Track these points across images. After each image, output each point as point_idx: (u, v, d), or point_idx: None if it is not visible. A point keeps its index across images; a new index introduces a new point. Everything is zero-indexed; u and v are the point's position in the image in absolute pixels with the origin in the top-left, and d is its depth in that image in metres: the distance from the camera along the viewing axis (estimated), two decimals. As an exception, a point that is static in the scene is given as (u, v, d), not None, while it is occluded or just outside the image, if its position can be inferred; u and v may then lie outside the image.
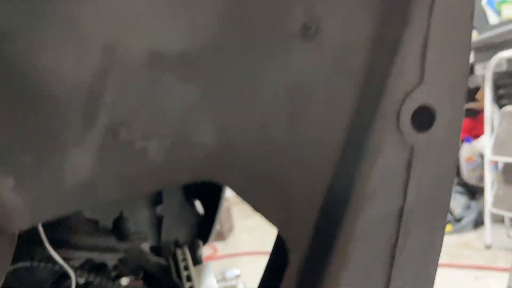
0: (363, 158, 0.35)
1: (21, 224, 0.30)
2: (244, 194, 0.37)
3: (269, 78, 0.36)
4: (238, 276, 1.14)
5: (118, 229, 1.07)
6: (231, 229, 4.71)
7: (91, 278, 1.00)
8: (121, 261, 1.08)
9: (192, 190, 1.62)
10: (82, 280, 0.98)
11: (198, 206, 1.69)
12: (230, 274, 1.13)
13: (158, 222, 1.44)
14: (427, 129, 0.35)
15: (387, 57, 0.33)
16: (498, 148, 2.68)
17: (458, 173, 3.50)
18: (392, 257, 0.39)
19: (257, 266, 1.40)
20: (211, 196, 1.64)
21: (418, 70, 0.33)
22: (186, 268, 1.06)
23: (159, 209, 1.44)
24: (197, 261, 1.16)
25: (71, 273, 0.91)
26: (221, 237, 4.11)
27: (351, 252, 0.38)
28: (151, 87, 0.33)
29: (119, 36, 0.31)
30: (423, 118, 0.35)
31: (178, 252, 1.11)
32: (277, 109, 0.36)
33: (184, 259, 1.08)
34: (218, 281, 1.08)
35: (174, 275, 1.05)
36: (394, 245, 0.38)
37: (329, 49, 0.35)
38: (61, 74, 0.31)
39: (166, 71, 0.33)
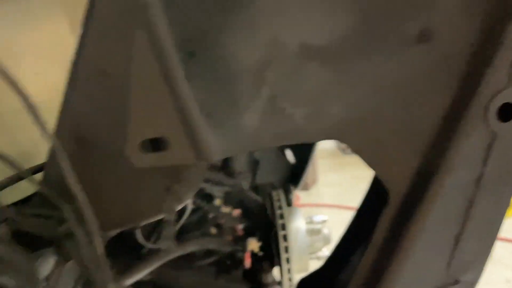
0: (454, 137, 0.44)
1: (213, 157, 0.44)
2: (360, 152, 0.48)
3: (387, 69, 0.45)
4: (325, 221, 1.25)
5: (226, 167, 1.24)
6: (314, 181, 4.86)
7: (202, 204, 1.20)
8: (226, 194, 1.26)
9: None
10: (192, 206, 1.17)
11: (289, 155, 1.82)
12: (317, 218, 1.25)
13: (254, 166, 1.60)
14: (508, 121, 0.45)
15: (483, 64, 0.41)
16: None
17: None
18: (464, 220, 0.48)
19: (336, 218, 1.49)
20: (303, 147, 1.76)
21: (507, 75, 0.41)
22: (280, 207, 1.20)
23: (256, 154, 1.60)
24: (288, 203, 1.30)
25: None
26: (305, 187, 4.27)
27: (433, 210, 0.48)
28: (299, 70, 0.44)
29: (279, 32, 0.43)
30: (507, 112, 0.45)
31: (274, 193, 1.25)
32: (389, 93, 0.46)
33: (279, 200, 1.22)
34: (306, 223, 1.21)
35: (269, 212, 1.20)
36: (468, 209, 0.47)
37: (438, 52, 0.43)
38: (241, 59, 0.44)
39: (312, 59, 0.44)
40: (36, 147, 0.61)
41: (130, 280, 1.05)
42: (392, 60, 0.45)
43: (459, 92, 0.45)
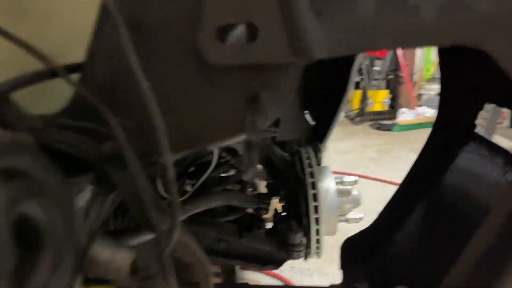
0: None
1: (315, 54, 0.34)
2: (502, 60, 0.38)
3: None
4: (355, 182, 1.17)
5: (253, 120, 1.15)
6: (324, 148, 4.80)
7: (228, 157, 1.11)
8: (252, 148, 1.17)
9: (307, 102, 1.66)
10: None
11: (308, 117, 1.73)
12: (348, 179, 1.17)
13: (275, 123, 1.51)
14: None
15: None
16: None
17: None
18: None
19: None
20: (325, 110, 1.66)
21: None
22: (310, 165, 1.11)
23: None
24: (318, 162, 1.21)
25: (215, 150, 1.02)
26: (316, 153, 4.21)
27: None
28: None
29: None
30: None
31: (303, 150, 1.17)
32: None
33: (309, 157, 1.14)
34: (336, 183, 1.13)
35: (299, 171, 1.12)
36: None
37: None
38: None
39: None
40: (69, 45, 0.49)
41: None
42: None
43: None
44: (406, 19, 0.36)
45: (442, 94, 0.83)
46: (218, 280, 1.75)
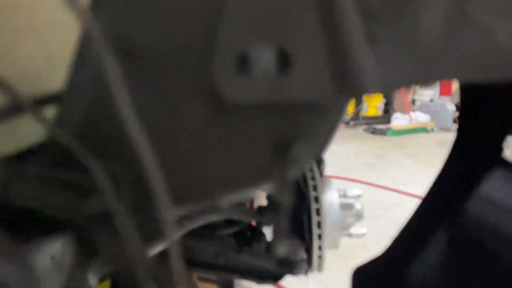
0: None
1: (366, 90, 0.28)
2: None
3: None
4: (359, 196, 1.14)
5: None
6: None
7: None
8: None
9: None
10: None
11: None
12: (351, 192, 1.13)
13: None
14: None
15: None
16: None
17: None
18: None
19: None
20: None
21: None
22: (313, 178, 1.08)
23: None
24: (320, 173, 1.18)
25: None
26: (311, 157, 4.21)
27: None
28: None
29: None
30: None
31: (305, 162, 1.13)
32: None
33: (311, 170, 1.10)
34: (339, 197, 1.10)
35: (301, 183, 1.08)
36: None
37: None
38: None
39: None
40: (45, 69, 0.38)
41: (152, 250, 0.94)
42: None
43: None
44: (479, 44, 0.30)
45: (463, 111, 0.78)
46: (212, 287, 1.71)
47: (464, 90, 0.76)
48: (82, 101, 0.29)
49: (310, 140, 0.33)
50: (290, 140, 0.32)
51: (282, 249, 0.31)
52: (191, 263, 1.12)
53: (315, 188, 1.06)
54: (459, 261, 0.66)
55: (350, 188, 1.19)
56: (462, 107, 0.78)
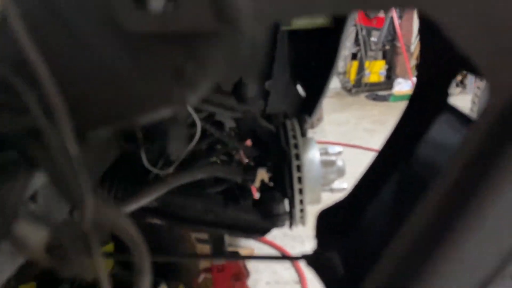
0: None
1: (243, 19, 0.31)
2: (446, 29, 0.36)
3: None
4: (340, 153, 1.19)
5: (238, 92, 1.15)
6: (320, 119, 4.81)
7: (212, 130, 1.12)
8: (237, 121, 1.18)
9: (297, 73, 1.65)
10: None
11: (300, 89, 1.73)
12: (332, 149, 1.18)
13: (265, 96, 1.52)
14: None
15: None
16: None
17: None
18: None
19: (343, 156, 1.43)
20: (315, 81, 1.66)
21: None
22: (294, 137, 1.13)
23: (267, 84, 1.50)
24: (303, 133, 1.22)
25: (198, 122, 1.02)
26: (310, 125, 4.23)
27: None
28: None
29: None
30: None
31: (288, 122, 1.18)
32: None
33: (293, 129, 1.15)
34: (320, 154, 1.14)
35: (283, 142, 1.13)
36: None
37: None
38: None
39: None
40: None
41: (133, 206, 1.00)
42: None
43: None
44: None
45: (420, 63, 0.82)
46: (206, 247, 1.79)
47: (422, 40, 0.78)
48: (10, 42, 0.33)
49: (201, 65, 0.37)
50: (185, 67, 0.36)
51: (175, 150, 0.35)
52: (183, 220, 1.19)
53: (296, 146, 1.11)
54: (404, 197, 0.72)
55: (332, 146, 1.23)
56: (419, 58, 0.81)
